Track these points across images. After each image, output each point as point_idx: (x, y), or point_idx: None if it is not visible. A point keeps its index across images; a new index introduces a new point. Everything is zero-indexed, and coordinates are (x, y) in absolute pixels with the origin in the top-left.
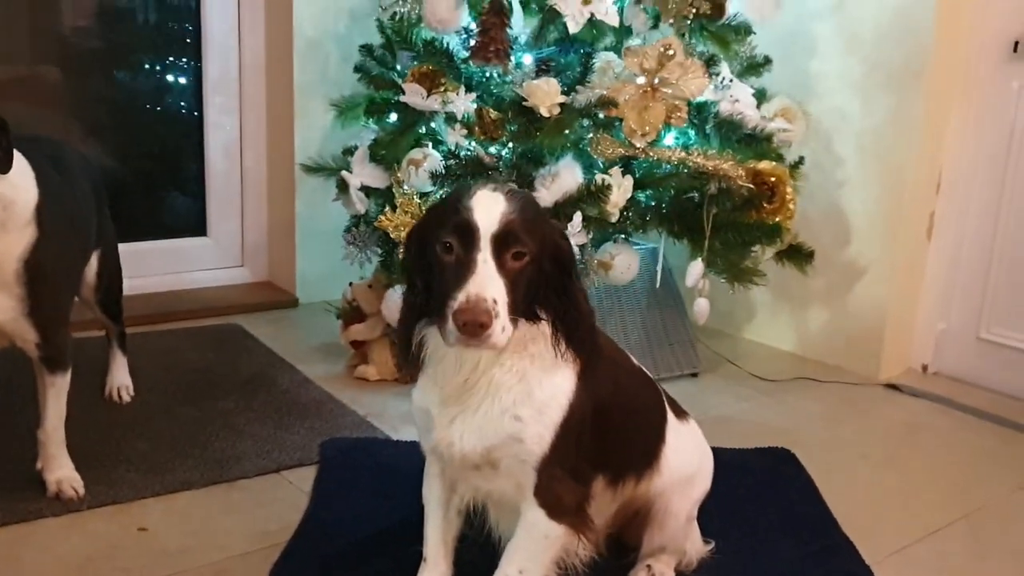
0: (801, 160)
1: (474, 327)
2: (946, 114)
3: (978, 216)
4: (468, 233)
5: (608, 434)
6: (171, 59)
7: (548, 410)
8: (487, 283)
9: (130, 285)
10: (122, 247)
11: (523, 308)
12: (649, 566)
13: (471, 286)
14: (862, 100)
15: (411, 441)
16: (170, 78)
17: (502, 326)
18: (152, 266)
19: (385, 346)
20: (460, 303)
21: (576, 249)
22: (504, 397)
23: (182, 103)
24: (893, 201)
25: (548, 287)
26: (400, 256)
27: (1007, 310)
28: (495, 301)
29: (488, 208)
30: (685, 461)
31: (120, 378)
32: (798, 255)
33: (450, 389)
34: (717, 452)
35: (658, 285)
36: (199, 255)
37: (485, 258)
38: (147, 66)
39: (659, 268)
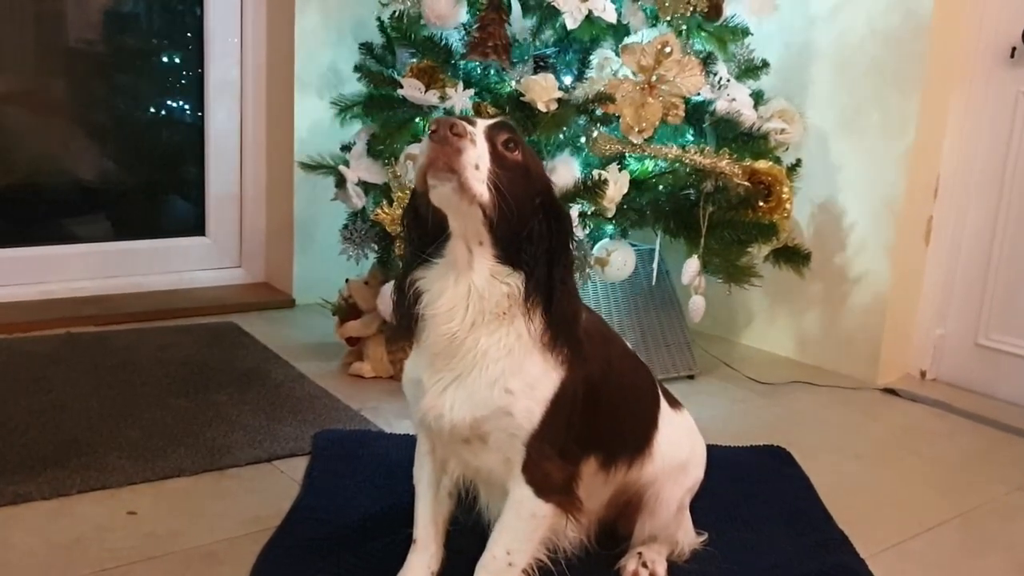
0: (798, 162)
1: (444, 130)
2: (943, 119)
3: (976, 221)
4: (462, 121)
5: (600, 413)
6: (175, 62)
7: (539, 385)
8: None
9: (128, 283)
10: (123, 245)
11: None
12: (640, 553)
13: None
14: (860, 105)
15: (405, 434)
16: (173, 80)
17: (478, 176)
18: (151, 265)
19: (380, 343)
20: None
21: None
22: (492, 367)
23: (185, 106)
24: (891, 206)
25: (538, 244)
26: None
27: (1005, 316)
28: (474, 141)
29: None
30: (677, 448)
31: None
32: (795, 256)
33: (439, 345)
34: (712, 449)
35: (653, 283)
36: (197, 255)
37: (477, 132)
38: (151, 69)
39: (655, 266)
